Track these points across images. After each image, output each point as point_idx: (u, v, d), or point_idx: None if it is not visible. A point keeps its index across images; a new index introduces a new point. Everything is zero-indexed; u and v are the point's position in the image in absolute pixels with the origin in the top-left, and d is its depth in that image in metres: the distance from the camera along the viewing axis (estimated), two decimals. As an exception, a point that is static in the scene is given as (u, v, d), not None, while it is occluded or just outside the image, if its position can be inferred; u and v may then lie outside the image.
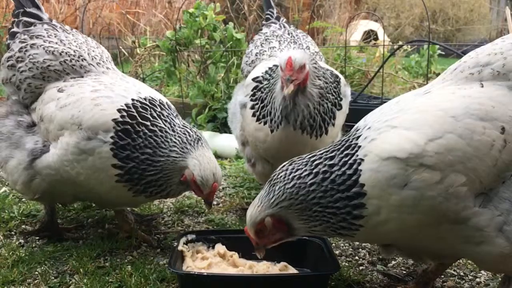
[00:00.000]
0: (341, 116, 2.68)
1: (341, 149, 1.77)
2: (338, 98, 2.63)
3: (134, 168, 2.24)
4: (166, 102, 2.44)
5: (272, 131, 2.51)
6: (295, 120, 2.43)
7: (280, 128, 2.47)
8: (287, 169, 1.83)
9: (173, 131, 2.29)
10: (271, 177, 1.88)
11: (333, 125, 2.58)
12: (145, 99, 2.35)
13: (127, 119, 2.25)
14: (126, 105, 2.29)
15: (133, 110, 2.28)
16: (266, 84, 2.59)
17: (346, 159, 1.72)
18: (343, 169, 1.71)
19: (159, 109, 2.34)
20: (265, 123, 2.53)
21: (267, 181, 1.90)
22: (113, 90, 2.38)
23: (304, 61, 2.34)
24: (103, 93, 2.35)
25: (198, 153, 2.26)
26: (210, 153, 2.31)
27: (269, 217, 1.84)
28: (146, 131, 2.25)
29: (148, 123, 2.26)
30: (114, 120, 2.25)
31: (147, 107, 2.32)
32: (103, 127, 2.24)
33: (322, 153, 1.81)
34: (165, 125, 2.29)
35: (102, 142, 2.23)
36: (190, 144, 2.27)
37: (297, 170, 1.79)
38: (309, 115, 2.45)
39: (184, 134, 2.29)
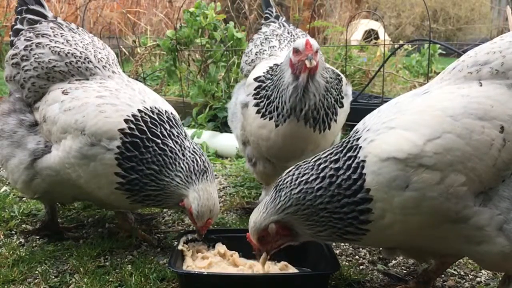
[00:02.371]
0: (342, 114, 2.68)
1: (344, 151, 1.77)
2: (340, 96, 2.64)
3: (137, 180, 2.24)
4: (173, 117, 2.41)
5: (277, 125, 2.50)
6: (300, 109, 2.43)
7: (286, 122, 2.47)
8: (293, 174, 1.81)
9: (183, 155, 2.26)
10: (276, 182, 1.87)
11: (335, 121, 2.59)
12: (152, 112, 2.32)
13: (136, 133, 2.23)
14: (134, 117, 2.27)
15: (142, 124, 2.26)
16: (270, 83, 2.59)
17: (350, 162, 1.72)
18: (348, 173, 1.70)
19: (168, 128, 2.31)
20: (270, 118, 2.53)
21: (273, 187, 1.88)
22: (118, 97, 2.36)
23: (318, 46, 2.38)
24: (108, 100, 2.34)
25: (201, 187, 2.22)
26: (212, 188, 2.27)
27: (273, 223, 1.84)
28: (156, 148, 2.23)
29: (159, 141, 2.24)
30: (121, 130, 2.23)
31: (157, 123, 2.29)
32: (107, 134, 2.23)
33: (327, 156, 1.80)
34: (175, 147, 2.26)
35: (105, 149, 2.23)
36: (196, 175, 2.23)
37: (304, 174, 1.78)
38: (314, 106, 2.45)
39: (193, 162, 2.25)
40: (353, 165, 1.70)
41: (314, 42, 2.38)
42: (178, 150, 2.26)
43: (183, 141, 2.31)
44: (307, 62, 2.31)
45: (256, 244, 1.94)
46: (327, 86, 2.51)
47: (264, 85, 2.63)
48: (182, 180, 2.23)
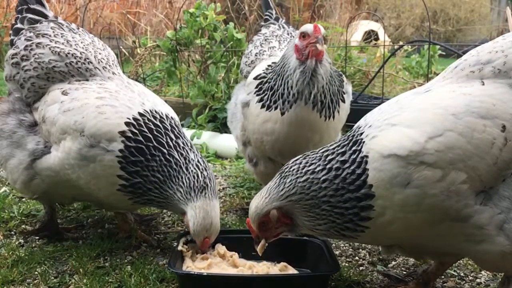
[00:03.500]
0: (344, 111, 2.68)
1: (350, 144, 1.77)
2: (342, 90, 2.65)
3: (140, 184, 2.23)
4: (176, 123, 2.38)
5: (283, 113, 2.49)
6: (309, 93, 2.42)
7: (293, 107, 2.46)
8: (300, 163, 1.81)
9: (187, 169, 2.22)
10: (282, 169, 1.86)
11: (338, 112, 2.58)
12: (154, 118, 2.30)
13: (141, 138, 2.21)
14: (136, 120, 2.25)
15: (147, 130, 2.23)
16: (272, 75, 2.60)
17: (355, 156, 1.72)
18: (352, 167, 1.70)
19: (174, 138, 2.27)
20: (276, 108, 2.51)
21: (277, 173, 1.87)
22: (117, 99, 2.35)
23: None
24: (108, 101, 2.33)
25: (198, 205, 2.18)
26: (211, 206, 2.21)
27: (275, 209, 1.83)
28: (162, 158, 2.20)
29: (165, 151, 2.22)
30: (121, 133, 2.21)
31: (162, 132, 2.26)
32: (106, 136, 2.22)
33: (334, 148, 1.80)
34: (180, 159, 2.23)
35: (105, 150, 2.22)
36: (195, 192, 2.19)
37: (311, 164, 1.78)
38: (322, 88, 2.45)
39: (194, 177, 2.21)
40: (358, 159, 1.70)
41: (321, 27, 2.40)
42: (183, 163, 2.23)
43: (188, 153, 2.27)
44: (318, 45, 2.33)
45: (255, 230, 1.93)
46: (332, 73, 2.52)
47: (266, 79, 2.63)
48: (182, 195, 2.20)
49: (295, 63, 2.42)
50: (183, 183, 2.20)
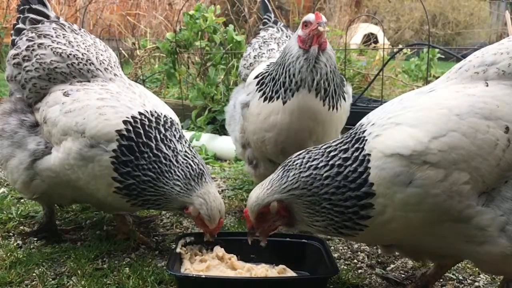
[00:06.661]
0: (345, 109, 2.67)
1: (352, 141, 1.77)
2: (344, 87, 2.65)
3: (134, 185, 2.22)
4: (170, 120, 2.38)
5: (285, 102, 2.48)
6: (312, 79, 2.42)
7: (295, 95, 2.45)
8: (304, 157, 1.81)
9: (177, 161, 2.22)
10: (285, 162, 1.85)
11: (341, 106, 2.57)
12: (152, 115, 2.31)
13: (132, 135, 2.22)
14: (134, 118, 2.26)
15: (140, 127, 2.24)
16: (274, 67, 2.60)
17: (357, 153, 1.72)
18: (354, 165, 1.70)
19: (163, 131, 2.28)
20: (277, 98, 2.50)
21: (280, 165, 1.86)
22: (118, 100, 2.35)
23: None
24: (108, 102, 2.33)
25: (203, 191, 2.20)
26: (214, 189, 2.25)
27: (276, 202, 1.83)
28: (150, 154, 2.20)
29: (153, 146, 2.22)
30: (118, 131, 2.22)
31: (152, 126, 2.27)
32: (106, 137, 2.22)
33: (337, 144, 1.81)
34: (168, 152, 2.23)
35: (103, 151, 2.22)
36: (194, 181, 2.21)
37: (314, 159, 1.78)
38: (326, 76, 2.45)
39: (187, 167, 2.22)
40: (360, 157, 1.71)
41: (323, 15, 2.44)
42: (172, 156, 2.23)
43: (175, 144, 2.27)
44: (320, 28, 2.35)
45: (253, 221, 1.92)
46: (335, 64, 2.53)
47: (267, 73, 2.63)
48: (182, 188, 2.20)
49: (298, 52, 2.44)
50: (179, 176, 2.20)
